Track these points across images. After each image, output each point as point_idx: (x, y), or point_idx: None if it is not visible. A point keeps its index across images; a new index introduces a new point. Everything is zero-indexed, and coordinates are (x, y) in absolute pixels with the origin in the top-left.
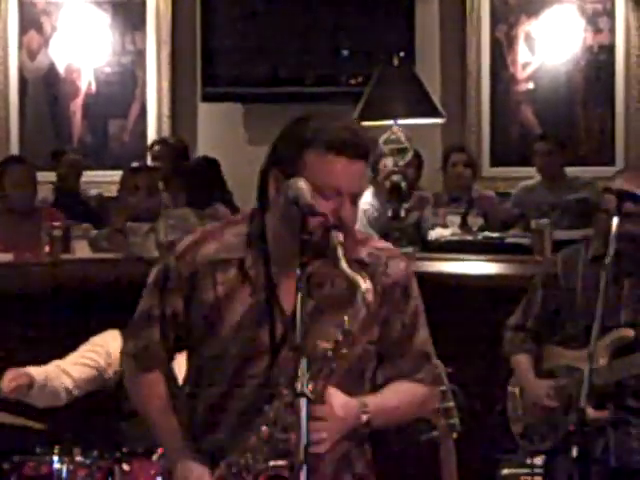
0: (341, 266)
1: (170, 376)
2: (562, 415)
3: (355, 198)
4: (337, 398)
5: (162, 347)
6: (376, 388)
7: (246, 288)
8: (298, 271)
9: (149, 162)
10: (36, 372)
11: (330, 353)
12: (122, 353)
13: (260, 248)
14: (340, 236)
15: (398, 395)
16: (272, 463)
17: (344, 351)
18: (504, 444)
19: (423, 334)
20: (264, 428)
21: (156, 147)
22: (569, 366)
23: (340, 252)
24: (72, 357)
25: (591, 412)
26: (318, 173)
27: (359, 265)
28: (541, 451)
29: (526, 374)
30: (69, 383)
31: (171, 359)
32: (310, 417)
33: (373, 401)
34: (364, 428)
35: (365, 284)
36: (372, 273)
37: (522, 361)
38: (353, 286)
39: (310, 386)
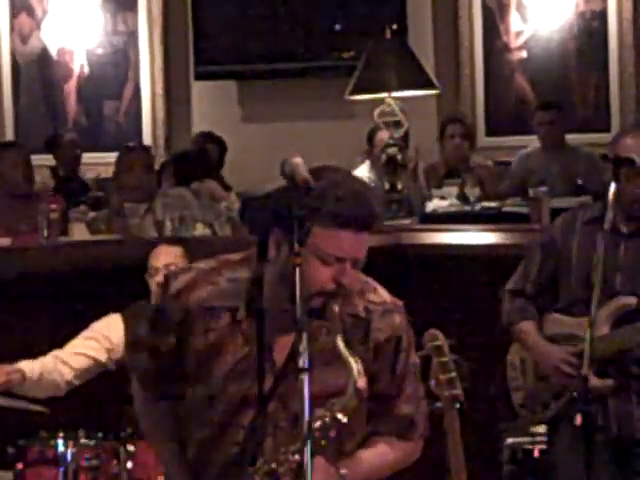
0: (337, 343)
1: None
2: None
3: (357, 262)
4: (317, 467)
5: (155, 373)
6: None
7: (238, 339)
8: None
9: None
10: (30, 367)
11: (317, 433)
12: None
13: (255, 300)
14: (337, 307)
15: (377, 458)
16: None
17: (331, 434)
18: (508, 413)
19: (411, 393)
20: None
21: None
22: (570, 334)
23: (337, 324)
24: (71, 346)
25: (594, 380)
26: (321, 244)
27: (354, 320)
28: (543, 420)
29: (537, 341)
30: (68, 374)
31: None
32: None
33: (351, 468)
34: None
35: (357, 366)
36: (366, 328)
37: (529, 328)
38: (345, 366)
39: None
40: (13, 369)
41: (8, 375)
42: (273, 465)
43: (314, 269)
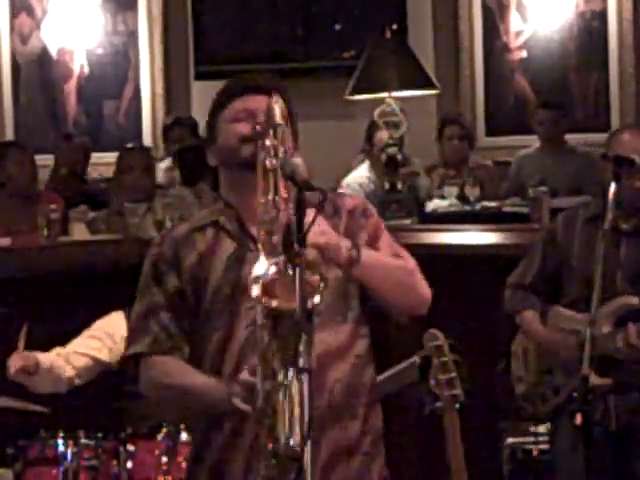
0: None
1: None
2: (564, 378)
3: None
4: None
5: (175, 328)
6: (364, 311)
7: (226, 239)
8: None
9: (170, 146)
10: (42, 357)
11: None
12: (129, 358)
13: (229, 209)
14: (268, 140)
15: (384, 254)
16: None
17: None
18: (508, 413)
19: (388, 239)
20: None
21: (175, 130)
22: (572, 329)
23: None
24: (74, 345)
25: (595, 379)
26: (229, 112)
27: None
28: (542, 415)
29: (537, 330)
30: (71, 372)
31: (187, 345)
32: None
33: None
34: (355, 263)
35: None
36: (334, 204)
37: (529, 317)
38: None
39: None
40: (29, 355)
41: (25, 360)
42: None
43: (232, 129)
